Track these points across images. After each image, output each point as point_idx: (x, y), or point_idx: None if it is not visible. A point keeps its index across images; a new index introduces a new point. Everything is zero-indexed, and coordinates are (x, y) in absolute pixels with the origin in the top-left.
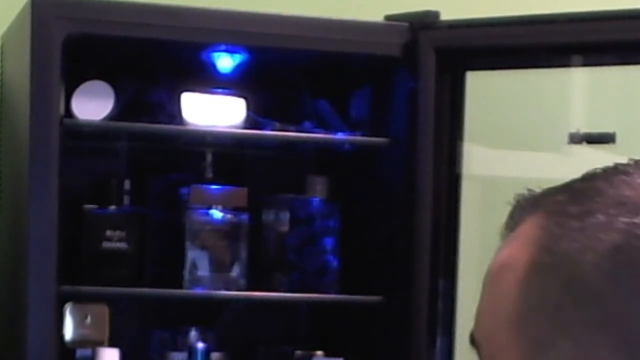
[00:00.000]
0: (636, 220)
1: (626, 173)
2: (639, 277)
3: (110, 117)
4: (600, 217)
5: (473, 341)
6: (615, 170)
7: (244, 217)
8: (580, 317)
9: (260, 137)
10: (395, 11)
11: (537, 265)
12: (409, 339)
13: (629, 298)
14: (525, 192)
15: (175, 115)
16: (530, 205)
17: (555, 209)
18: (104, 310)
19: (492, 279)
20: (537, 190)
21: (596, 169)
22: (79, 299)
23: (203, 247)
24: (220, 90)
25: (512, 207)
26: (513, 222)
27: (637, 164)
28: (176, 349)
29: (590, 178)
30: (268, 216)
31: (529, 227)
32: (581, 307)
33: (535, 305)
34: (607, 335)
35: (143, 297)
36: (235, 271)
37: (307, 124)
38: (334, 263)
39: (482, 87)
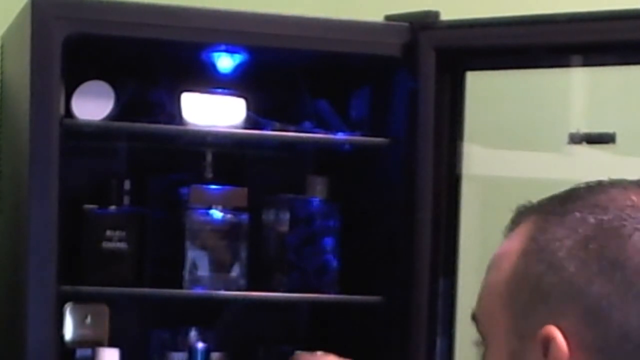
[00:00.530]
0: (604, 217)
1: (604, 185)
2: (603, 262)
3: (110, 117)
4: (577, 215)
5: (474, 318)
6: (597, 184)
7: (244, 217)
8: (557, 290)
9: (260, 137)
10: (395, 11)
11: (526, 251)
12: (409, 339)
13: (594, 278)
14: (526, 202)
15: (175, 115)
16: (527, 210)
17: (545, 210)
18: (104, 310)
19: (492, 267)
20: (535, 200)
21: (583, 183)
22: (79, 299)
23: (203, 247)
24: (220, 90)
25: (513, 213)
26: (513, 224)
27: (615, 181)
28: (176, 349)
29: (576, 188)
30: (268, 216)
31: (525, 226)
32: (558, 282)
33: (521, 280)
34: (575, 306)
35: (143, 297)
36: (235, 271)
37: (307, 124)
38: (334, 263)
39: (482, 87)
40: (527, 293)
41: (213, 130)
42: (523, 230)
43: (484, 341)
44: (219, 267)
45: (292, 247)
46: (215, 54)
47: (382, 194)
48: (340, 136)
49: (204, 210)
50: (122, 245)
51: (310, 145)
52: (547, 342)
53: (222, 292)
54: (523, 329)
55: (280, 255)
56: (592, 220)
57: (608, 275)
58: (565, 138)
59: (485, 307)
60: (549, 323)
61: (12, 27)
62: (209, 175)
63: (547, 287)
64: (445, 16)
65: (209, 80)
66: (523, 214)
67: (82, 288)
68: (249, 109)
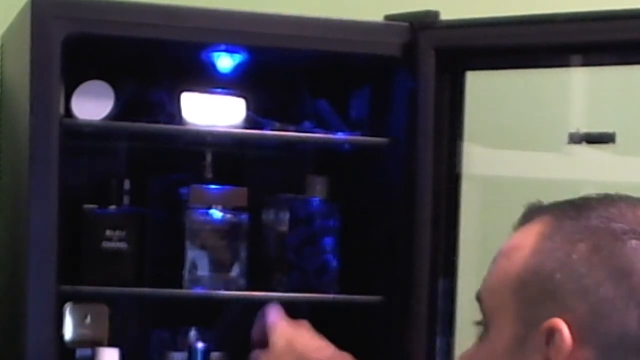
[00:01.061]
0: (617, 229)
1: (614, 199)
2: (613, 269)
3: (110, 117)
4: (592, 223)
5: (479, 298)
6: (605, 196)
7: (244, 217)
8: (567, 287)
9: (260, 137)
10: (395, 11)
11: (540, 248)
12: (409, 339)
13: (602, 282)
14: (537, 202)
15: (175, 115)
16: (541, 210)
17: (558, 213)
18: (104, 310)
19: (503, 256)
20: (546, 201)
21: (593, 194)
22: (79, 299)
23: (203, 247)
24: (220, 90)
25: (525, 210)
26: (525, 220)
27: (623, 196)
28: (176, 349)
29: (587, 198)
30: (268, 216)
31: (538, 224)
32: (569, 280)
33: (534, 274)
34: (581, 304)
35: (143, 297)
36: (235, 271)
37: (307, 124)
38: (334, 263)
39: (482, 87)
40: (537, 286)
41: (213, 130)
42: (537, 228)
43: (485, 319)
44: (219, 267)
45: (292, 247)
46: (215, 54)
47: (382, 194)
48: (340, 136)
49: (204, 210)
50: (122, 245)
51: (310, 145)
52: (552, 333)
53: (222, 292)
54: (530, 318)
55: (280, 255)
56: (605, 230)
57: (616, 281)
58: (565, 138)
59: (493, 291)
60: (556, 316)
61: (12, 27)
62: (209, 175)
63: (557, 283)
64: (445, 16)
65: (209, 80)
66: (536, 212)
67: (82, 288)
68: (249, 109)
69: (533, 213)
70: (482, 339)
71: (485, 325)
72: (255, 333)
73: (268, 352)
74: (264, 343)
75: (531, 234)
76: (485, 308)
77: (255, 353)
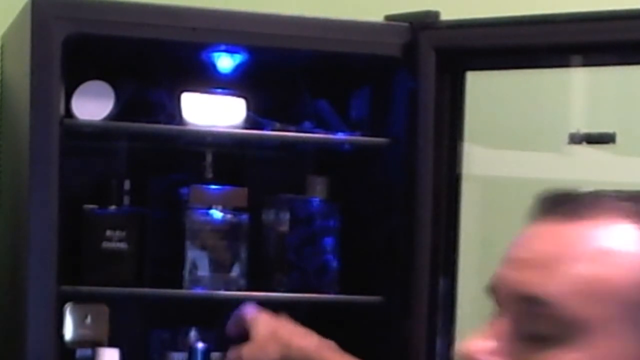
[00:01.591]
0: None
1: None
2: None
3: (110, 117)
4: None
5: (542, 302)
6: None
7: (244, 217)
8: None
9: (260, 137)
10: (395, 11)
11: None
12: (409, 339)
13: None
14: (557, 190)
15: (175, 115)
16: (605, 205)
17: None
18: (104, 310)
19: (589, 259)
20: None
21: None
22: (79, 299)
23: (203, 247)
24: (220, 90)
25: (562, 201)
26: (577, 215)
27: None
28: (176, 349)
29: None
30: (268, 216)
31: (621, 224)
32: None
33: None
34: None
35: (143, 297)
36: (235, 271)
37: (307, 124)
38: (334, 263)
39: (482, 87)
40: None
41: (213, 130)
42: (630, 231)
43: (564, 325)
44: (219, 267)
45: (292, 247)
46: (215, 54)
47: (382, 194)
48: (340, 136)
49: (204, 210)
50: (122, 245)
51: (310, 145)
52: None
53: (222, 292)
54: None
55: (280, 255)
56: None
57: None
58: (565, 138)
59: (582, 299)
60: None
61: (12, 27)
62: (209, 175)
63: None
64: (445, 16)
65: (209, 80)
66: (588, 206)
67: (82, 288)
68: (249, 109)
69: (582, 206)
70: (567, 345)
71: (565, 332)
72: (230, 330)
73: (250, 344)
74: (240, 339)
75: (622, 238)
76: (563, 313)
77: (233, 348)
